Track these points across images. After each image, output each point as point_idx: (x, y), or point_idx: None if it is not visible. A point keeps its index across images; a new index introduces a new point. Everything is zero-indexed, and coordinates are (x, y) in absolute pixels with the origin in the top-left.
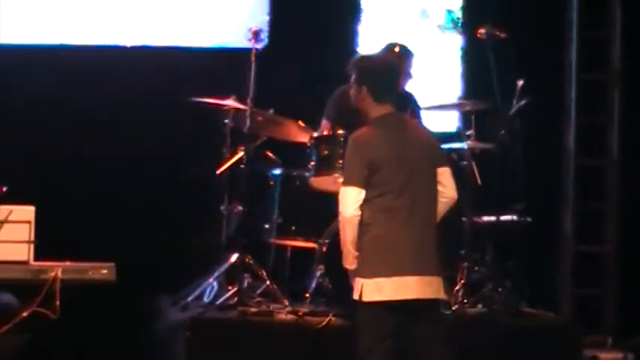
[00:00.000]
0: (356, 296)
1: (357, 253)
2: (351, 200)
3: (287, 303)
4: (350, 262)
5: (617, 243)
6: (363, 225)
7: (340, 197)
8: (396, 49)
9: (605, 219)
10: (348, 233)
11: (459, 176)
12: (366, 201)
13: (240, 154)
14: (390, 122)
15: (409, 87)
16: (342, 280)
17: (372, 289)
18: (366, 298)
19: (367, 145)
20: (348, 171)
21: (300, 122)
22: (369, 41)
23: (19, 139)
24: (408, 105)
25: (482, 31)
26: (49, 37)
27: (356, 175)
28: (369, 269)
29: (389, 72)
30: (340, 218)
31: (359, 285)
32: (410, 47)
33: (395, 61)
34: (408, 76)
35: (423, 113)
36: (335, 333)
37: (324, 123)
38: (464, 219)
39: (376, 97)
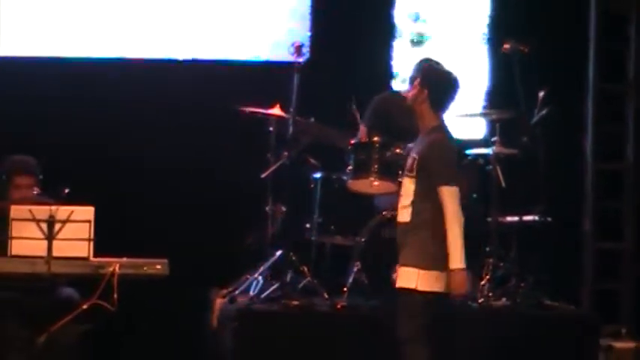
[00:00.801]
0: (411, 284)
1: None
2: (457, 198)
3: (326, 296)
4: (462, 260)
5: (634, 240)
6: (428, 220)
7: (447, 196)
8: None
9: (622, 218)
10: (460, 229)
11: (485, 179)
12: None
13: (284, 159)
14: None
15: None
16: (377, 275)
17: (430, 280)
18: (422, 288)
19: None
20: (449, 171)
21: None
22: (402, 57)
23: (83, 146)
24: None
25: (507, 45)
26: (112, 50)
27: (454, 174)
28: (430, 261)
29: (452, 86)
30: (450, 216)
31: (415, 274)
32: (441, 60)
33: (457, 78)
34: None
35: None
36: (371, 324)
37: (362, 130)
38: (489, 219)
39: (433, 105)
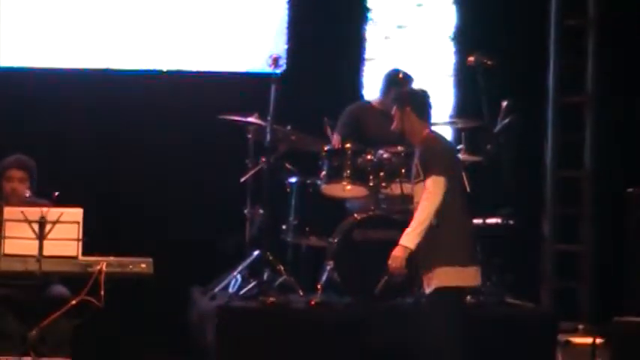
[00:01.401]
0: (452, 283)
1: None
2: (441, 188)
3: (301, 294)
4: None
5: (591, 243)
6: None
7: (432, 184)
8: (400, 75)
9: (581, 222)
10: (429, 217)
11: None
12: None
13: (262, 164)
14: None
15: None
16: (349, 274)
17: (462, 275)
18: (461, 283)
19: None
20: (438, 162)
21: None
22: (374, 68)
23: (73, 153)
24: None
25: (471, 58)
26: (97, 62)
27: (444, 166)
28: (461, 256)
29: (425, 95)
30: (427, 201)
31: (453, 272)
32: (410, 73)
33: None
34: None
35: None
36: (346, 320)
37: (335, 137)
38: None
39: (419, 116)
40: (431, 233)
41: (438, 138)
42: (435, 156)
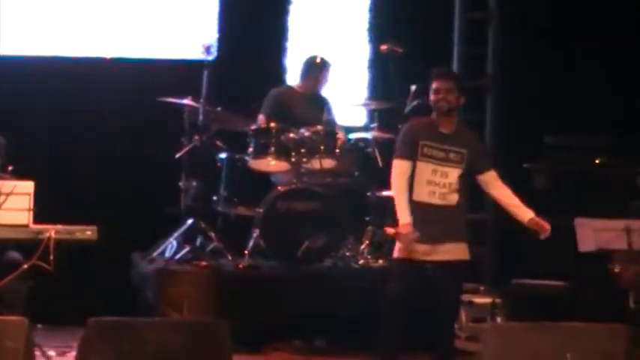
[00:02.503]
0: (467, 257)
1: None
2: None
3: (230, 258)
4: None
5: (493, 212)
6: (463, 203)
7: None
8: (318, 60)
9: (482, 194)
10: (394, 192)
11: (366, 159)
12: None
13: (195, 142)
14: None
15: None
16: (273, 240)
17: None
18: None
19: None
20: (396, 147)
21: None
22: (295, 53)
23: (28, 131)
24: (324, 106)
25: (384, 47)
26: (45, 49)
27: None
28: (468, 236)
29: None
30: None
31: (467, 248)
32: (327, 58)
33: None
34: (326, 81)
35: (338, 111)
36: (270, 282)
37: (261, 117)
38: (369, 193)
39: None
40: (453, 213)
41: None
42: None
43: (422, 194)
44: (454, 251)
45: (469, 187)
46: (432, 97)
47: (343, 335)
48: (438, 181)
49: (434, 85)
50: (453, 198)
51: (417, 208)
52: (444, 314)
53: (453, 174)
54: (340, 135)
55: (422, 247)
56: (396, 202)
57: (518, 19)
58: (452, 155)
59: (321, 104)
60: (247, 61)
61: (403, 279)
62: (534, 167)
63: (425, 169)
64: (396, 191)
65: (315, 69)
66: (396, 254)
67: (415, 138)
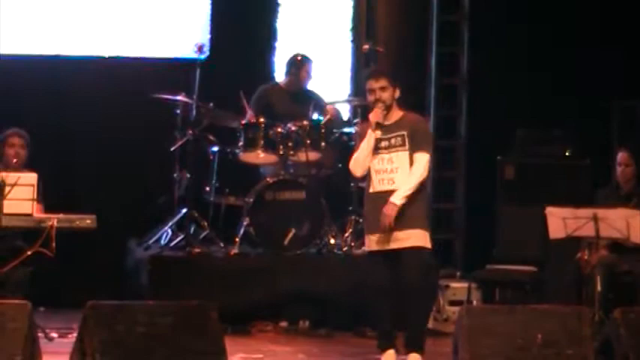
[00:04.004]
0: (427, 244)
1: None
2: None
3: (222, 245)
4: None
5: (464, 202)
6: (423, 188)
7: (425, 164)
8: (299, 57)
9: (455, 184)
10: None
11: (349, 152)
12: None
13: (188, 136)
14: None
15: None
16: (262, 228)
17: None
18: (429, 246)
19: None
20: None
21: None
22: (283, 53)
23: (31, 127)
24: (311, 100)
25: (366, 46)
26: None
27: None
28: (428, 223)
29: None
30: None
31: (426, 236)
32: (308, 55)
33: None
34: (309, 77)
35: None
36: (259, 267)
37: (250, 113)
38: (352, 184)
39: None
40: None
41: None
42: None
43: (374, 184)
44: (409, 239)
45: (435, 179)
46: (368, 97)
47: (326, 317)
48: (385, 168)
49: (368, 86)
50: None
51: (373, 199)
52: (407, 297)
53: (399, 158)
54: (329, 108)
55: (376, 237)
56: (360, 151)
57: (490, 20)
58: (393, 140)
59: (307, 99)
60: (238, 60)
61: (371, 269)
62: (506, 159)
63: (373, 162)
64: (355, 156)
65: (296, 66)
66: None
67: (365, 134)
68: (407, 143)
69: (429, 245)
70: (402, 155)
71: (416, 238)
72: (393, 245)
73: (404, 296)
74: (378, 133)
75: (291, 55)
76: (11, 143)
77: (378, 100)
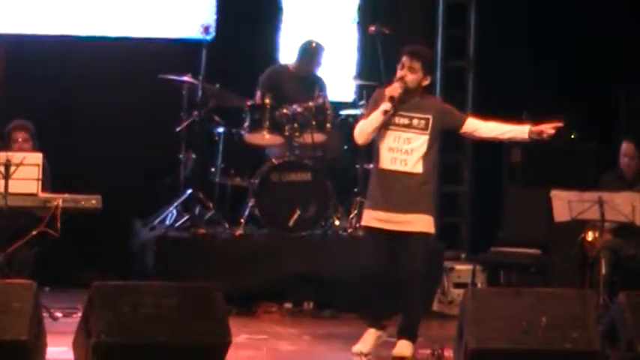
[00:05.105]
0: (431, 230)
1: None
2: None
3: (227, 226)
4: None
5: (470, 184)
6: (432, 173)
7: None
8: (313, 45)
9: (461, 167)
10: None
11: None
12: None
13: (194, 117)
14: None
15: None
16: (267, 210)
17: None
18: (433, 232)
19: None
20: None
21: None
22: (289, 37)
23: (36, 107)
24: (317, 85)
25: (372, 28)
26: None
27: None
28: (434, 209)
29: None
30: None
31: (431, 221)
32: (321, 43)
33: None
34: (320, 64)
35: (329, 90)
36: (264, 249)
37: (257, 94)
38: (357, 166)
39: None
40: (420, 183)
41: None
42: None
43: (385, 161)
44: (414, 223)
45: (442, 162)
46: (398, 69)
47: (331, 298)
48: (400, 148)
49: (402, 59)
50: (418, 166)
51: (381, 176)
52: (407, 284)
53: (417, 140)
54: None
55: (381, 215)
56: (369, 120)
57: (497, 3)
58: (415, 121)
59: (314, 84)
60: (243, 41)
61: (367, 248)
62: (512, 142)
63: (388, 135)
64: (362, 123)
65: (309, 53)
66: (362, 222)
67: (380, 102)
68: (429, 128)
69: (433, 230)
70: (422, 139)
71: (421, 222)
72: (397, 227)
73: (405, 283)
74: (388, 105)
75: (304, 41)
76: (15, 139)
77: (402, 78)
